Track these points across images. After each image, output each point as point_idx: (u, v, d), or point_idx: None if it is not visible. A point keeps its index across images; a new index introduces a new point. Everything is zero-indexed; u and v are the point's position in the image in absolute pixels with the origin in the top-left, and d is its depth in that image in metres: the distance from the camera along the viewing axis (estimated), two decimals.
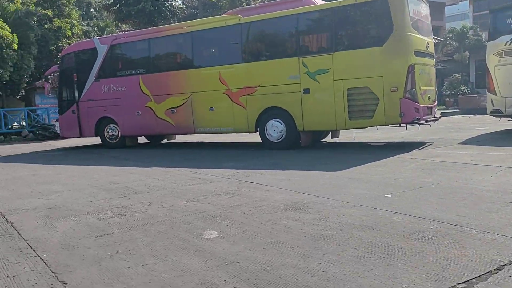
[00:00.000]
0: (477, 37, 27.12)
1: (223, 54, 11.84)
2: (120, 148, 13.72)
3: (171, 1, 34.27)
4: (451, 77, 28.09)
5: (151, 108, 12.77)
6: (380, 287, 2.88)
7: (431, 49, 10.63)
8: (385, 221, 4.25)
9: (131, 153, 12.23)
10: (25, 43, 23.03)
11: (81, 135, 14.59)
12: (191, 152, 11.53)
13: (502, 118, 12.09)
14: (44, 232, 4.56)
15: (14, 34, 21.13)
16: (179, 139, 16.03)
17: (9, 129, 22.82)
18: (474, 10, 30.80)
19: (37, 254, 3.88)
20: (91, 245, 4.05)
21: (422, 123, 9.88)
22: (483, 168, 6.78)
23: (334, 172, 7.08)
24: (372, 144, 11.13)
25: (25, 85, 25.69)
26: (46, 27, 26.28)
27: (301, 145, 10.79)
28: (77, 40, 24.28)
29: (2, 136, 22.04)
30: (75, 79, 14.32)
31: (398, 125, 9.96)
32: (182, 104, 12.15)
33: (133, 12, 32.00)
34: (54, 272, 3.43)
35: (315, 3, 10.70)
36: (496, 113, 11.51)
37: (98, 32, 34.85)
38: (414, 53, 9.47)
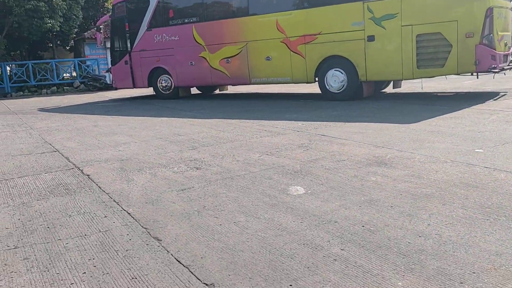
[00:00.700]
0: None
1: (280, 0, 11.28)
2: (173, 99, 13.65)
3: None
4: None
5: (205, 58, 12.50)
6: (508, 253, 2.59)
7: None
8: (486, 179, 3.90)
9: (186, 104, 12.11)
10: None
11: (134, 86, 14.59)
12: (248, 104, 11.27)
13: None
14: (123, 185, 4.48)
15: None
16: (231, 90, 15.82)
17: (61, 80, 23.21)
18: None
19: (122, 208, 3.79)
20: (175, 199, 3.93)
21: (497, 72, 9.17)
22: None
23: (409, 125, 6.67)
24: (439, 94, 10.52)
25: (74, 35, 25.85)
26: None
27: (363, 96, 10.32)
28: None
29: (55, 87, 22.47)
30: (127, 29, 14.16)
31: (470, 74, 9.31)
32: (237, 54, 11.81)
33: None
34: (145, 228, 3.32)
35: None
36: None
37: None
38: None
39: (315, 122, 7.49)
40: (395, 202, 3.52)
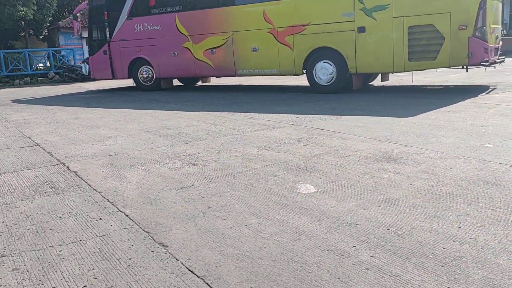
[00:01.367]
0: None
1: None
2: (155, 91, 13.21)
3: None
4: None
5: (188, 48, 12.10)
6: None
7: None
8: (506, 176, 3.71)
9: (169, 96, 11.70)
10: None
11: (113, 77, 14.07)
12: (235, 96, 10.94)
13: None
14: (115, 183, 4.13)
15: None
16: (214, 81, 15.44)
17: (34, 70, 22.35)
18: None
19: (118, 209, 3.45)
20: (175, 199, 3.61)
21: (488, 65, 9.07)
22: None
23: (407, 118, 6.48)
24: (428, 88, 10.38)
25: (48, 24, 24.96)
26: None
27: (353, 88, 10.12)
28: None
29: (28, 78, 21.63)
30: (106, 17, 13.61)
31: (461, 67, 9.19)
32: (223, 44, 11.45)
33: None
34: (147, 232, 3.00)
35: None
36: None
37: None
38: None
39: (309, 115, 7.24)
40: (416, 201, 3.28)
